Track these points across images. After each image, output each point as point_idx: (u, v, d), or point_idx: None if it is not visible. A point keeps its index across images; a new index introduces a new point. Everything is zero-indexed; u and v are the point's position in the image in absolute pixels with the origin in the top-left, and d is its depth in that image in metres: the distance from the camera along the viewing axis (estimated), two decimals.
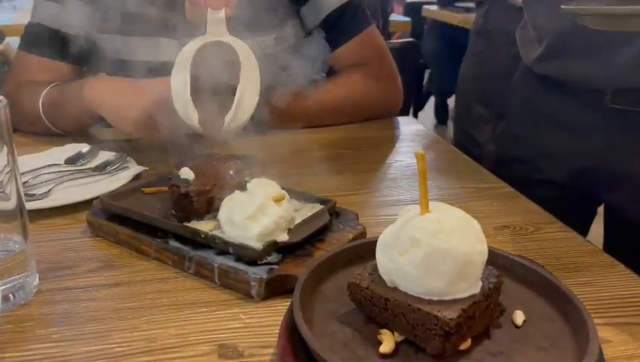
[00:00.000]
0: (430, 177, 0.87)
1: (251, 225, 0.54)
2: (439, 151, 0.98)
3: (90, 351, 0.47)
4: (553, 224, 0.71)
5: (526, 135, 1.02)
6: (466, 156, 0.97)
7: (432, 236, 0.41)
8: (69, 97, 0.92)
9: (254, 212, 0.54)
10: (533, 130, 1.01)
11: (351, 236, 0.61)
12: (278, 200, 0.55)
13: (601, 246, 1.04)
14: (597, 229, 1.08)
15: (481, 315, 0.43)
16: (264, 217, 0.54)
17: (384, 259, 0.44)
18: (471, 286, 0.43)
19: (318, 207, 0.64)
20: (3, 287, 0.52)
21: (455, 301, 0.41)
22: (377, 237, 0.46)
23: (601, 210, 1.07)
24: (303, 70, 1.25)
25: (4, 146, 0.51)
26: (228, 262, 0.56)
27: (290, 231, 0.57)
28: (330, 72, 1.16)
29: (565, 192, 1.00)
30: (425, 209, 0.43)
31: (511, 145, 1.07)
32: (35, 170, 0.78)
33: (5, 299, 0.52)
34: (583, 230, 1.07)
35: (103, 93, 0.89)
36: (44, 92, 0.95)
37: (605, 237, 1.07)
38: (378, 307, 0.44)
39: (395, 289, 0.44)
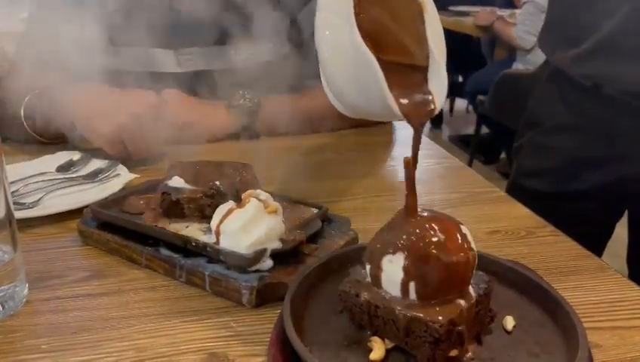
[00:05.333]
0: (422, 182, 0.88)
1: (243, 235, 0.54)
2: (432, 156, 0.98)
3: (80, 361, 0.46)
4: (544, 228, 0.71)
5: (554, 144, 1.00)
6: (458, 161, 0.97)
7: (421, 242, 0.41)
8: (46, 102, 0.90)
9: (246, 223, 0.54)
10: (562, 139, 0.98)
11: (342, 242, 0.61)
12: (271, 211, 0.55)
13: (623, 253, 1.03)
14: (612, 245, 1.08)
15: (472, 321, 0.43)
16: (256, 229, 0.54)
17: (373, 266, 0.44)
18: (461, 293, 0.43)
19: (310, 213, 0.64)
20: None
21: (445, 307, 0.41)
22: (367, 244, 0.46)
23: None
24: (299, 76, 1.25)
25: None
26: (219, 269, 0.55)
27: (281, 238, 0.57)
28: None
29: (591, 205, 0.97)
30: (413, 215, 0.43)
31: (536, 155, 1.04)
32: (26, 178, 0.78)
33: None
34: (602, 243, 1.05)
35: (77, 99, 0.86)
36: (26, 98, 0.93)
37: (629, 247, 1.07)
38: (368, 314, 0.44)
39: (385, 295, 0.44)
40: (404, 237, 0.42)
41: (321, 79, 0.50)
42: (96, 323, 0.51)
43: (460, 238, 0.42)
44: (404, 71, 0.46)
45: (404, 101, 0.45)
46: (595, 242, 0.88)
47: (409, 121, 0.45)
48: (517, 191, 1.06)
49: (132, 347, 0.48)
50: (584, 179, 0.97)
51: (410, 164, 0.42)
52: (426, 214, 0.44)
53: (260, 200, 0.55)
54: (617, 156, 0.93)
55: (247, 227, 0.54)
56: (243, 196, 0.56)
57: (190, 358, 0.47)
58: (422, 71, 0.47)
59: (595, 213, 0.99)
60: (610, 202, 0.98)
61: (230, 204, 0.57)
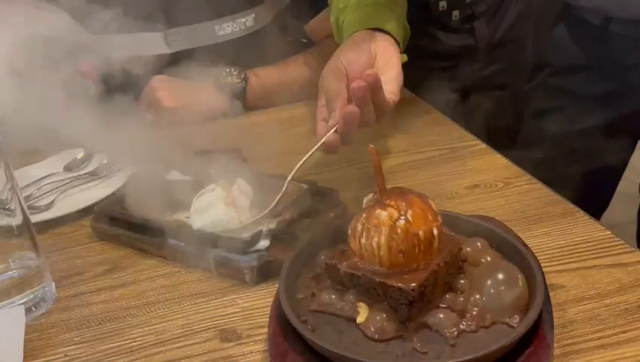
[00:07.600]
0: (406, 140, 0.91)
1: (196, 218, 0.61)
2: (416, 113, 1.01)
3: (108, 348, 0.53)
4: (521, 178, 0.76)
5: (564, 84, 1.02)
6: (442, 115, 1.00)
7: (392, 222, 0.47)
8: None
9: (203, 207, 0.61)
10: (572, 79, 1.00)
11: (332, 215, 0.67)
12: (228, 204, 0.61)
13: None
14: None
15: (442, 281, 0.49)
16: (207, 214, 0.61)
17: (353, 243, 0.50)
18: (431, 258, 0.49)
19: (300, 190, 0.69)
20: (25, 300, 0.58)
21: (416, 273, 0.47)
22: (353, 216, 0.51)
23: None
24: (284, 45, 1.27)
25: (1, 163, 0.54)
26: (222, 253, 0.61)
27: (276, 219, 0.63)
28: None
29: (603, 141, 0.98)
30: (384, 197, 0.48)
31: (548, 96, 1.06)
32: (38, 181, 0.83)
33: (29, 310, 0.58)
34: (618, 175, 1.07)
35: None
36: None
37: None
38: (353, 283, 0.50)
39: (365, 266, 0.49)
40: (377, 218, 0.47)
41: None
42: (118, 312, 0.58)
43: (425, 213, 0.48)
44: None
45: None
46: (610, 174, 0.89)
47: None
48: (531, 134, 1.09)
49: (152, 331, 0.55)
50: (595, 116, 0.99)
51: (376, 153, 0.47)
52: (395, 194, 0.49)
53: (224, 189, 0.61)
54: (628, 91, 0.95)
55: (203, 211, 0.61)
56: (219, 183, 0.62)
57: (203, 336, 0.54)
58: None
59: (608, 148, 1.02)
60: (622, 136, 1.01)
61: (210, 187, 0.63)
